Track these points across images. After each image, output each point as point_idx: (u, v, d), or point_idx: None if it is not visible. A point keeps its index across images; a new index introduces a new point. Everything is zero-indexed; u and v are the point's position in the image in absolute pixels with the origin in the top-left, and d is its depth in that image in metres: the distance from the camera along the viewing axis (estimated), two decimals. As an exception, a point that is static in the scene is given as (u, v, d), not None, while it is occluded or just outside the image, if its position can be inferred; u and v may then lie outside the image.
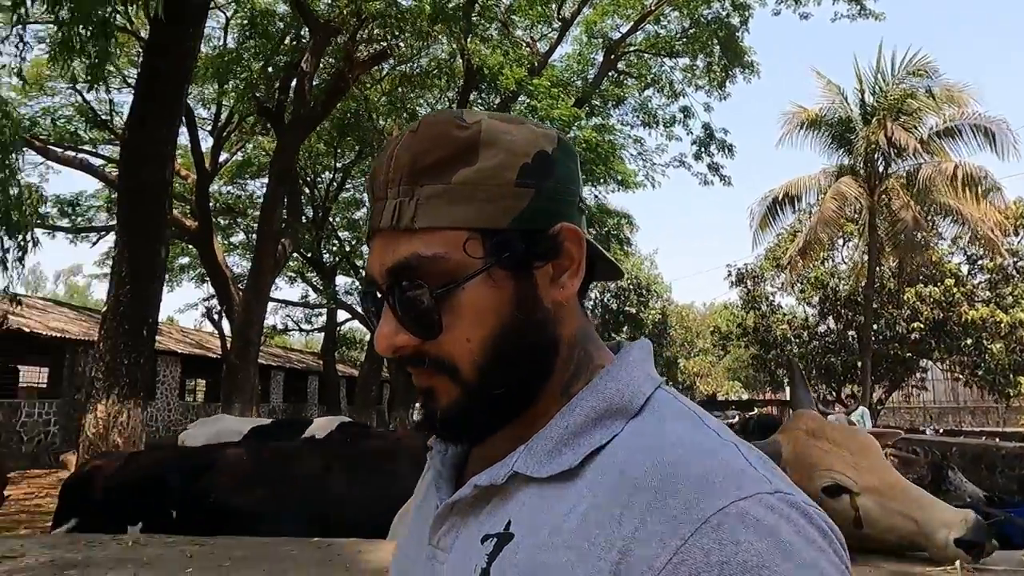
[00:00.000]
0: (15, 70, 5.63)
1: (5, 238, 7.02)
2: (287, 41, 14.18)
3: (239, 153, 19.45)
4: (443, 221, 0.56)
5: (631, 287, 30.91)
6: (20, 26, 5.31)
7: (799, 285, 20.79)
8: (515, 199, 0.57)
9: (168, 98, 7.72)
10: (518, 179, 0.58)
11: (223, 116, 16.51)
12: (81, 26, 5.13)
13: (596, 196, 18.12)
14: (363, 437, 4.35)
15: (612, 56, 16.85)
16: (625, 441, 0.55)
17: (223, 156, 17.62)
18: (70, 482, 3.36)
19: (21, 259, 7.45)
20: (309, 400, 25.16)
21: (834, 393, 19.63)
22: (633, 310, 30.78)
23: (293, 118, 11.32)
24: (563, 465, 0.56)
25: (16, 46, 5.41)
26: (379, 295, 0.60)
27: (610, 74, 17.43)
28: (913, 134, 14.48)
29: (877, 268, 16.69)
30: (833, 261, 20.78)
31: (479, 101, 15.85)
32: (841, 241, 19.33)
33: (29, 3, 5.12)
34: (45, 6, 4.99)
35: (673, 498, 0.48)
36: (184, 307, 56.37)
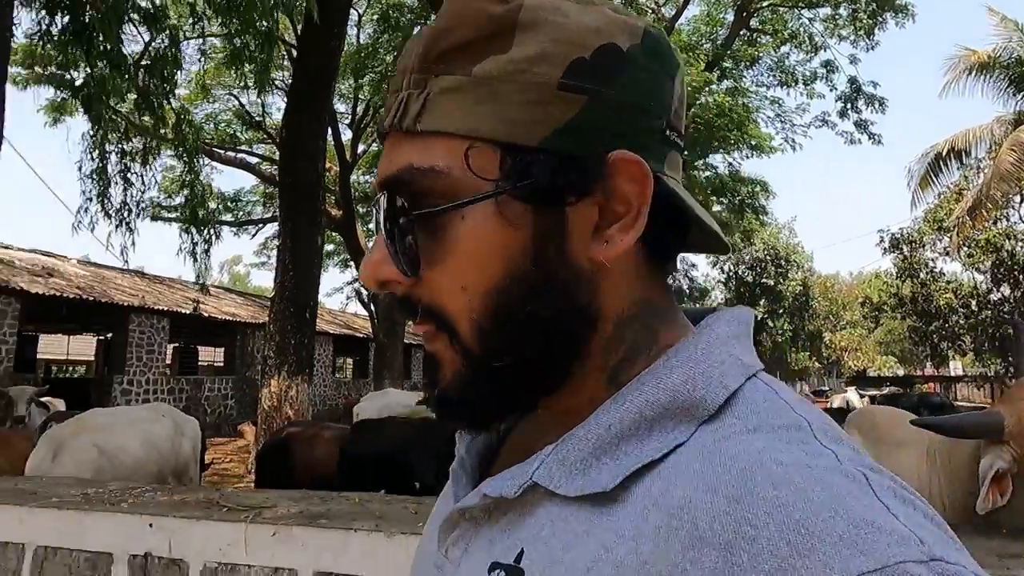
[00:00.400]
0: (199, 81, 6.30)
1: (195, 233, 7.90)
2: (415, 32, 14.67)
3: (374, 143, 20.54)
4: (452, 124, 0.42)
5: (768, 258, 29.42)
6: (201, 40, 5.92)
7: (966, 249, 18.76)
8: (556, 107, 0.41)
9: (318, 97, 8.30)
10: (565, 78, 0.41)
11: (359, 109, 17.47)
12: (249, 37, 5.63)
13: (730, 164, 17.35)
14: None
15: (744, 14, 15.93)
16: (690, 459, 0.39)
17: (360, 147, 18.69)
18: (270, 447, 3.79)
19: (207, 251, 8.35)
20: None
21: (1011, 368, 17.63)
22: (771, 282, 29.32)
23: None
24: (596, 485, 0.40)
25: (199, 60, 6.05)
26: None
27: (742, 33, 16.49)
28: None
29: None
30: (1008, 221, 18.54)
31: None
32: (1019, 198, 17.19)
33: (206, 21, 5.69)
34: (219, 20, 5.49)
35: (758, 565, 0.32)
36: (331, 291, 60.39)
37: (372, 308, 13.97)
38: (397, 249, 0.43)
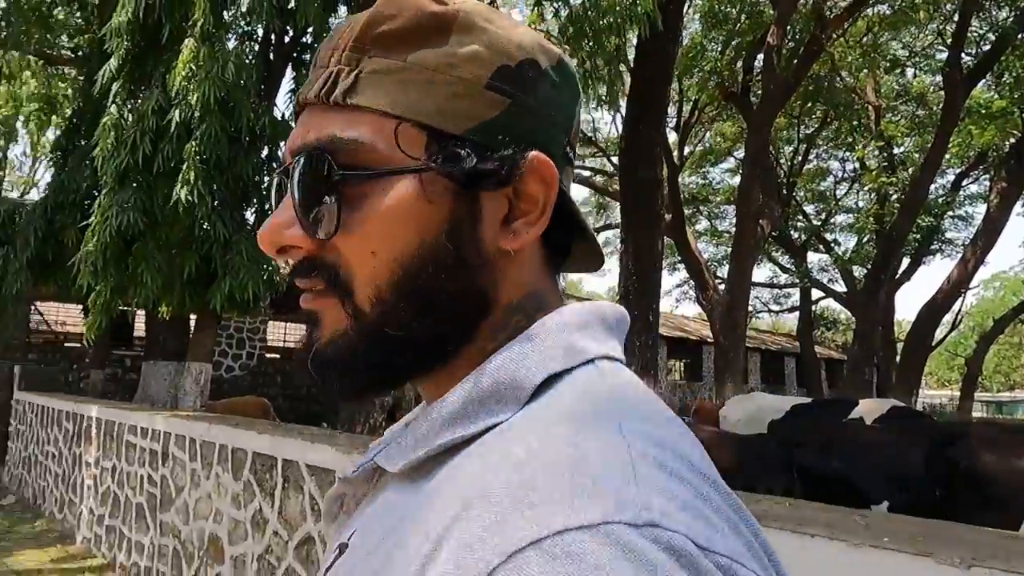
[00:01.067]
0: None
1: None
2: (743, 20, 14.04)
3: (699, 143, 20.17)
4: (382, 103, 0.44)
5: None
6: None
7: None
8: (482, 104, 0.45)
9: (656, 101, 8.45)
10: (492, 79, 0.45)
11: (685, 110, 17.36)
12: (598, 57, 5.98)
13: None
14: (919, 422, 3.90)
15: None
16: (494, 438, 0.41)
17: (687, 149, 18.54)
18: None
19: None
20: (787, 382, 24.45)
21: None
22: None
23: (764, 95, 11.12)
24: (411, 459, 0.43)
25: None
26: (284, 178, 0.48)
27: None
28: None
29: None
30: None
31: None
32: None
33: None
34: (570, 45, 5.92)
35: (481, 516, 0.34)
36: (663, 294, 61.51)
37: (709, 311, 13.74)
38: (310, 213, 0.44)
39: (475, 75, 0.45)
